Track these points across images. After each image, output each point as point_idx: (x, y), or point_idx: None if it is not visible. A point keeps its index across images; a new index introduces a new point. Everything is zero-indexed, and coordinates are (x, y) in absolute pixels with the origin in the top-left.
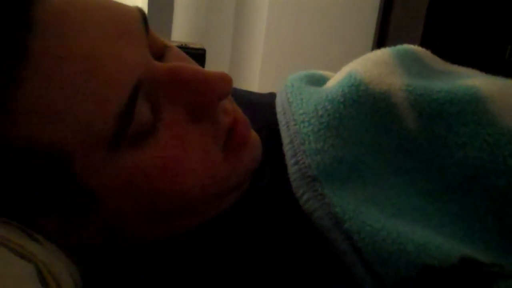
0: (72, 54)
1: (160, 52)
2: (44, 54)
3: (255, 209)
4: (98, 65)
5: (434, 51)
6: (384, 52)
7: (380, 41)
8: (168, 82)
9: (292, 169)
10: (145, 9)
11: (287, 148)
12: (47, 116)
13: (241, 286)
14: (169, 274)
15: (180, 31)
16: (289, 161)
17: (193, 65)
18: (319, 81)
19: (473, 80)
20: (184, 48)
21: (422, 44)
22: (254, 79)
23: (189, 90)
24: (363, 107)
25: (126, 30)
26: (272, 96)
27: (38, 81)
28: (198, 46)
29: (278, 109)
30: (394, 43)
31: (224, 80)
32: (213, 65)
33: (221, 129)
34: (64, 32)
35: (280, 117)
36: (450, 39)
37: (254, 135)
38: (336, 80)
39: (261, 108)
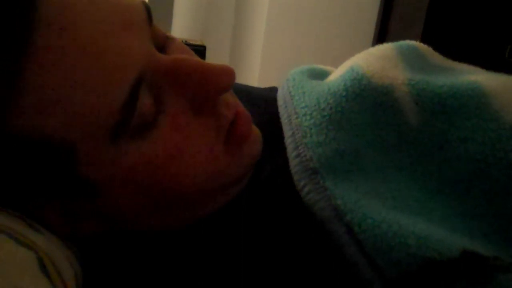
0: (75, 45)
1: (162, 44)
2: (47, 45)
3: (256, 202)
4: (101, 55)
5: (434, 50)
6: (386, 47)
7: (381, 39)
8: (171, 74)
9: (293, 162)
10: None
11: (288, 141)
12: (49, 107)
13: (242, 278)
14: (170, 266)
15: (180, 28)
16: (291, 154)
17: (196, 58)
18: (321, 75)
19: (475, 76)
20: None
21: (422, 43)
22: (253, 76)
23: (192, 82)
24: (365, 101)
25: (129, 21)
26: (273, 90)
27: (41, 72)
28: (198, 42)
29: (280, 102)
30: (395, 40)
31: (227, 72)
32: (213, 62)
33: (223, 122)
34: (67, 23)
35: (282, 110)
36: (450, 38)
37: (255, 129)
38: (338, 74)
39: (263, 102)
